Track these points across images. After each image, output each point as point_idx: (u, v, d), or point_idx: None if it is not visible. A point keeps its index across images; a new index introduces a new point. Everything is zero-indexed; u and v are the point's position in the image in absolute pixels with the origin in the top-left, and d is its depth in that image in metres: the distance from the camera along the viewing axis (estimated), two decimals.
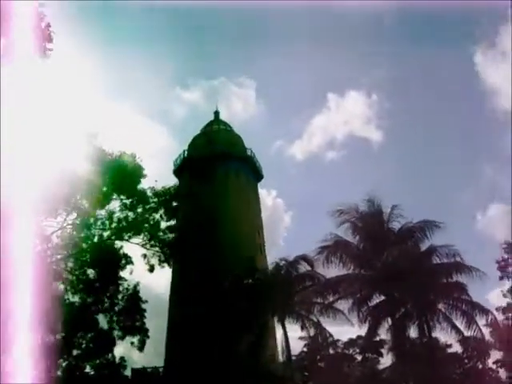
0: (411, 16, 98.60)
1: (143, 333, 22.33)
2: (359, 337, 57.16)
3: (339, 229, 30.71)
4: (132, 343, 22.65)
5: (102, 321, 24.39)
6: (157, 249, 22.65)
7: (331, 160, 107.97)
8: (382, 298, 31.00)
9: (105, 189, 22.13)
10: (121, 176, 21.41)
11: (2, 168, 14.90)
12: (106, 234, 23.03)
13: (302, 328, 33.54)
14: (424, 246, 30.23)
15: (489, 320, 31.57)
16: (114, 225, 22.57)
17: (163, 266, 24.29)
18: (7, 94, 12.95)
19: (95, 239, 22.91)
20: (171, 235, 22.37)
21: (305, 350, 59.66)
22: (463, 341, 42.62)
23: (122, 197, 22.07)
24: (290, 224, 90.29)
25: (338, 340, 50.67)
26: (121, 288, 23.02)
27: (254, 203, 54.08)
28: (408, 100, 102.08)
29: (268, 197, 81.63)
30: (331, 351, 59.87)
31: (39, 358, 31.78)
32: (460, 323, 30.81)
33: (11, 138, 16.65)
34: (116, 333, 23.21)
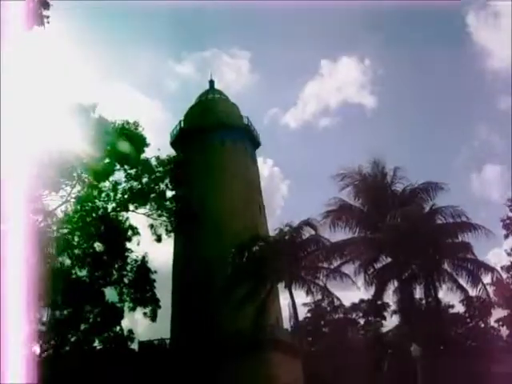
0: None
1: (154, 303, 22.17)
2: (362, 300, 57.82)
3: (343, 193, 30.59)
4: (145, 314, 22.49)
5: (113, 294, 24.25)
6: (164, 218, 22.34)
7: (325, 127, 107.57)
8: (389, 260, 31.00)
9: (108, 160, 21.75)
10: (124, 145, 21.01)
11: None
12: (111, 205, 22.70)
13: (308, 293, 33.47)
14: (428, 207, 30.16)
15: (494, 278, 31.75)
16: (118, 196, 22.25)
17: (170, 236, 24.05)
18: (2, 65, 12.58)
19: (100, 211, 22.57)
20: (178, 205, 22.00)
21: (308, 315, 60.27)
22: (465, 301, 43.09)
23: (126, 167, 21.67)
24: (287, 193, 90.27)
25: (341, 305, 51.01)
26: (129, 260, 22.77)
27: (253, 172, 53.72)
28: (400, 65, 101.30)
29: (264, 166, 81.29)
30: (335, 316, 60.57)
31: (45, 335, 31.91)
32: (465, 282, 30.91)
33: (9, 110, 16.28)
34: (127, 304, 23.02)
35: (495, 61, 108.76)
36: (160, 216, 22.43)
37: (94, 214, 22.67)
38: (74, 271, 24.86)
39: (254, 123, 54.45)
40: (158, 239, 23.15)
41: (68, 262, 25.13)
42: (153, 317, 22.39)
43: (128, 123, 21.68)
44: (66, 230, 22.57)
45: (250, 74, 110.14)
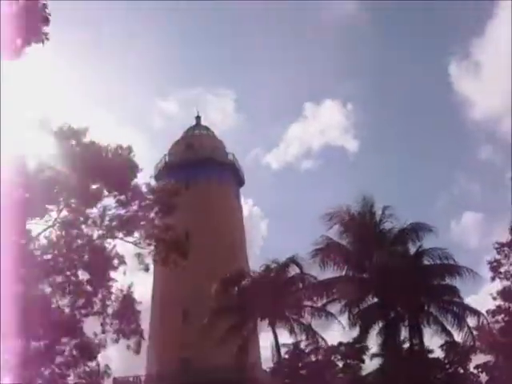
0: (387, 26, 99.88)
1: (139, 335, 21.32)
2: (340, 343, 57.00)
3: (330, 231, 30.29)
4: (128, 346, 21.52)
5: (94, 325, 23.28)
6: (152, 248, 21.76)
7: (307, 169, 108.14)
8: (375, 300, 30.63)
9: (97, 185, 21.27)
10: (116, 170, 20.58)
11: None
12: (97, 232, 22.08)
13: (291, 332, 32.84)
14: (415, 248, 29.97)
15: (480, 323, 31.47)
16: (106, 223, 21.69)
17: (155, 266, 23.37)
18: None
19: (86, 238, 21.94)
20: (167, 234, 21.48)
21: (286, 356, 59.11)
22: (445, 345, 42.55)
23: (116, 192, 21.20)
24: (266, 233, 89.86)
25: (319, 347, 50.22)
26: (113, 289, 22.03)
27: (237, 210, 53.54)
28: (383, 110, 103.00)
29: (245, 205, 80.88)
30: (313, 358, 59.51)
31: (20, 367, 30.66)
32: (451, 326, 30.67)
33: None
34: (110, 336, 22.06)
35: (476, 111, 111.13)
36: (149, 245, 21.80)
37: (79, 241, 21.95)
38: (54, 299, 23.95)
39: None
40: (146, 269, 22.47)
41: (49, 289, 24.24)
42: (137, 349, 21.38)
43: (121, 148, 21.27)
44: (49, 256, 21.80)
45: (235, 113, 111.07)
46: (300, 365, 60.98)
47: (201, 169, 50.68)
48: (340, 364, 61.16)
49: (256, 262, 75.40)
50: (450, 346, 43.22)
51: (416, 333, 31.30)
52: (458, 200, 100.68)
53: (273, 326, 32.31)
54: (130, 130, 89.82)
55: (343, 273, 29.86)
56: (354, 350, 53.82)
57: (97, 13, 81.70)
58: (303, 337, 32.98)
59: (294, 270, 33.50)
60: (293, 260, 33.21)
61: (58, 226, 22.18)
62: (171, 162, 52.49)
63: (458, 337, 31.74)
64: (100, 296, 22.08)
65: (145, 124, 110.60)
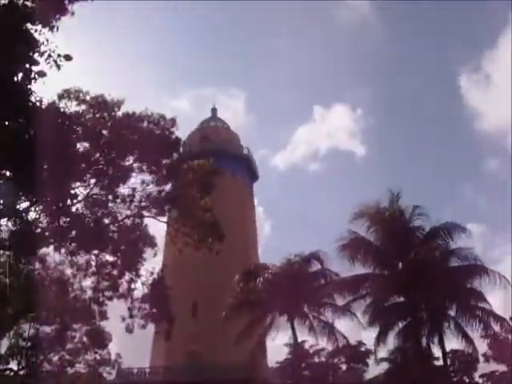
0: (399, 36, 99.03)
1: (169, 320, 20.05)
2: (345, 345, 55.92)
3: (358, 228, 29.18)
4: (157, 332, 20.28)
5: (122, 308, 22.14)
6: (186, 229, 20.53)
7: (314, 171, 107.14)
8: (398, 300, 29.59)
9: (129, 161, 20.04)
10: (152, 145, 19.32)
11: None
12: (125, 212, 20.88)
13: (310, 330, 31.70)
14: (445, 248, 28.87)
15: (503, 329, 30.47)
16: (136, 203, 20.48)
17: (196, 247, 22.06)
18: None
19: (113, 218, 20.74)
20: (206, 215, 20.25)
21: (289, 357, 58.10)
22: (450, 353, 41.46)
23: (151, 169, 19.97)
24: (269, 233, 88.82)
25: (323, 349, 49.16)
26: (143, 272, 20.87)
27: (250, 203, 52.51)
28: (392, 117, 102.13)
29: None
30: (316, 359, 58.44)
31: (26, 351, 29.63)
32: (475, 331, 29.54)
33: None
34: (137, 321, 20.79)
35: (485, 122, 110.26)
36: (184, 225, 20.59)
37: (106, 220, 20.79)
38: (76, 280, 22.87)
39: None
40: (181, 250, 21.28)
41: (70, 270, 23.17)
42: (167, 336, 20.11)
43: (164, 118, 19.94)
44: (73, 233, 20.65)
45: (245, 113, 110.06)
46: (303, 365, 60.10)
47: (215, 161, 49.48)
48: (344, 367, 60.37)
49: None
50: (455, 353, 42.34)
51: (435, 337, 30.14)
52: (462, 211, 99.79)
53: (292, 321, 31.16)
54: None
55: (371, 270, 28.76)
56: (359, 353, 52.90)
57: (110, 8, 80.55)
58: (324, 335, 31.46)
59: (315, 266, 32.36)
60: (315, 255, 32.09)
61: (84, 204, 21.05)
62: (186, 151, 51.31)
63: (481, 343, 30.61)
64: (127, 278, 20.94)
65: None
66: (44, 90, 11.85)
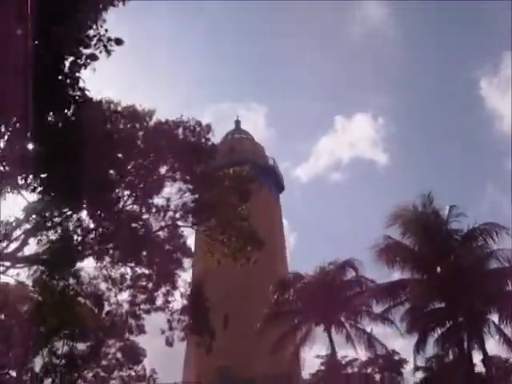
0: (417, 41, 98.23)
1: (210, 333, 19.42)
2: (378, 355, 54.86)
3: (392, 231, 28.45)
4: (198, 345, 19.66)
5: (160, 320, 21.71)
6: (224, 238, 20.03)
7: (336, 182, 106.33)
8: (438, 305, 28.78)
9: (163, 170, 19.65)
10: (187, 153, 18.88)
11: None
12: (159, 224, 20.46)
13: (347, 339, 30.99)
14: (485, 249, 27.95)
15: None
16: (170, 213, 20.07)
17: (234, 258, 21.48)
18: None
19: (147, 230, 20.35)
20: (243, 224, 19.72)
21: (322, 368, 57.15)
22: (486, 360, 40.02)
23: (187, 177, 19.53)
24: (293, 246, 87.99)
25: (356, 359, 48.24)
26: (181, 283, 20.41)
27: (277, 213, 52.04)
28: (413, 124, 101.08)
29: None
30: (349, 370, 57.42)
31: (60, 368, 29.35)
32: None
33: None
34: (177, 333, 20.22)
35: (505, 124, 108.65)
36: (222, 234, 20.11)
37: (140, 233, 20.39)
38: (111, 294, 22.53)
39: None
40: (219, 261, 20.81)
41: (104, 284, 22.84)
42: (208, 348, 19.50)
43: (200, 125, 19.46)
44: (110, 245, 20.30)
45: (266, 128, 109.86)
46: (336, 377, 58.87)
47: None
48: (377, 377, 59.10)
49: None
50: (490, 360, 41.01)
51: (475, 343, 29.16)
52: (486, 211, 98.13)
53: (328, 331, 30.49)
54: None
55: (409, 275, 28.02)
56: (393, 362, 51.76)
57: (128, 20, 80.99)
58: (361, 345, 30.71)
59: (350, 274, 31.73)
60: (349, 262, 31.45)
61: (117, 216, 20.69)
62: (212, 164, 51.21)
63: None
64: (163, 290, 20.48)
65: None
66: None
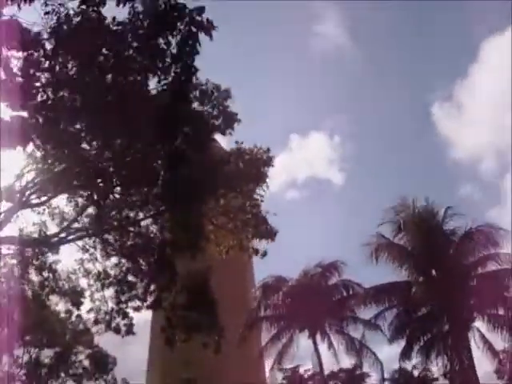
0: (374, 62, 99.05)
1: (218, 330, 17.14)
2: (341, 369, 53.35)
3: (382, 229, 27.12)
4: (204, 344, 17.28)
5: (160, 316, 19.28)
6: (234, 224, 17.92)
7: (292, 199, 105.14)
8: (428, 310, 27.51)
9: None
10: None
11: None
12: None
13: (330, 347, 29.28)
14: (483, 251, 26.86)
15: None
16: None
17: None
18: None
19: None
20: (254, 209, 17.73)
21: (284, 382, 55.17)
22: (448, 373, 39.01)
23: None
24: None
25: (317, 373, 46.73)
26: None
27: None
28: (369, 144, 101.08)
29: None
30: None
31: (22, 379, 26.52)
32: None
33: None
34: (178, 333, 17.60)
35: (458, 151, 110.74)
36: (232, 220, 18.02)
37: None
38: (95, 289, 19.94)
39: None
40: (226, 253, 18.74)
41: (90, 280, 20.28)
42: (216, 347, 17.15)
43: (259, 149, 17.62)
44: None
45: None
46: None
47: None
48: None
49: None
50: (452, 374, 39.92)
51: (460, 352, 27.86)
52: None
53: (313, 337, 28.72)
54: None
55: (404, 277, 26.69)
56: (355, 377, 50.23)
57: None
58: (350, 351, 29.05)
59: (334, 277, 30.11)
60: (333, 265, 29.87)
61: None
62: None
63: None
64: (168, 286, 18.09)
65: None
66: None
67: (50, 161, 14.49)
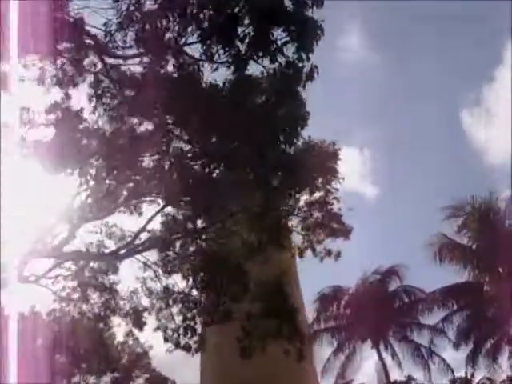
0: (399, 73, 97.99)
1: (301, 337, 16.17)
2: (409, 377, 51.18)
3: (446, 229, 25.93)
4: (286, 351, 16.29)
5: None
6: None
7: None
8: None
9: None
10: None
11: None
12: None
13: (393, 357, 28.02)
14: None
15: None
16: None
17: None
18: None
19: None
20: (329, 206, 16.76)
21: None
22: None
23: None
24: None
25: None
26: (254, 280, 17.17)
27: None
28: (400, 157, 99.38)
29: None
30: None
31: None
32: None
33: None
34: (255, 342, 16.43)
35: (490, 156, 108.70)
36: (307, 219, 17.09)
37: None
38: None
39: None
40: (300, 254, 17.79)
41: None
42: (299, 356, 16.09)
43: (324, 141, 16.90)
44: None
45: None
46: None
47: None
48: None
49: None
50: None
51: None
52: None
53: (377, 347, 27.54)
54: None
55: (467, 278, 25.46)
56: None
57: None
58: (416, 359, 27.75)
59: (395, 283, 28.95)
60: (393, 271, 28.74)
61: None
62: None
63: None
64: None
65: None
66: None
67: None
